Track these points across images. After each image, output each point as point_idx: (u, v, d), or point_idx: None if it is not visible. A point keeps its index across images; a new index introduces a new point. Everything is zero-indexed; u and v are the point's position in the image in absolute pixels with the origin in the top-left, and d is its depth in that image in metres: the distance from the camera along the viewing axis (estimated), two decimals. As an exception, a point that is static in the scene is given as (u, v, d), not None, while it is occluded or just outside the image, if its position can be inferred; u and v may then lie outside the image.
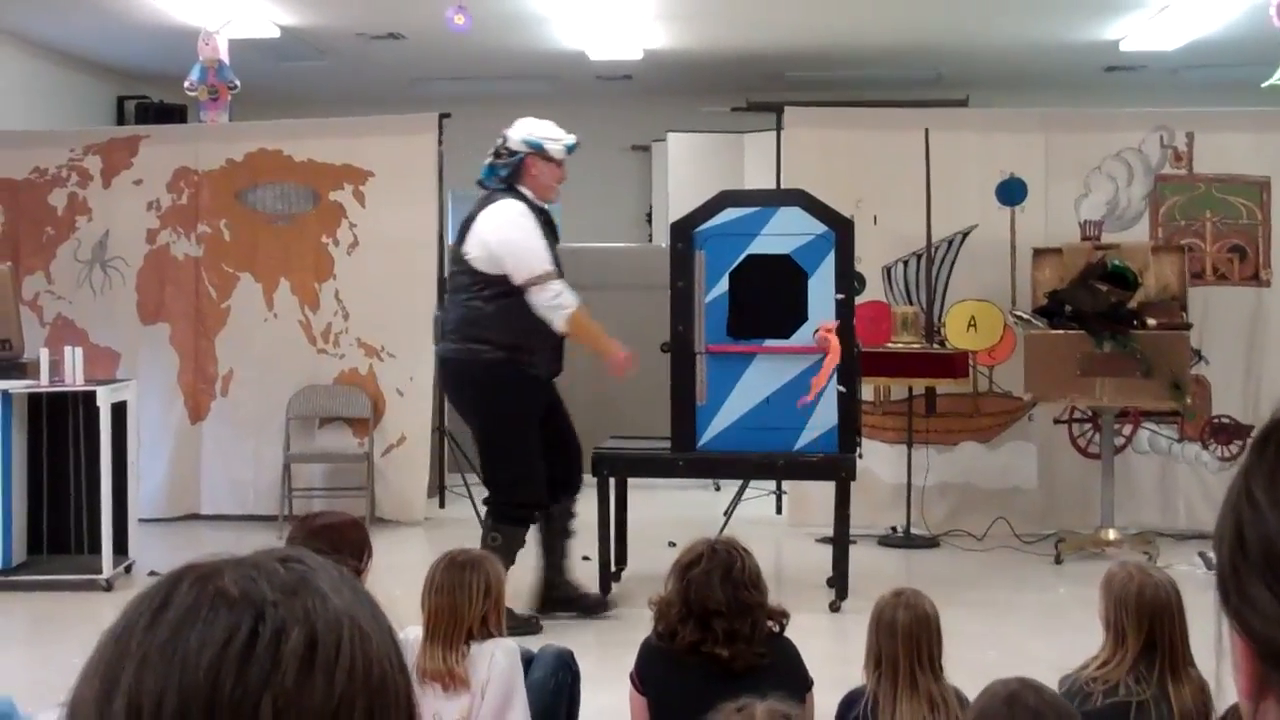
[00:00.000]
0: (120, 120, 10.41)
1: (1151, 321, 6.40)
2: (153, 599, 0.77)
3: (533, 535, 5.49)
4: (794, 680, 2.98)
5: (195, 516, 7.73)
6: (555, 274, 5.27)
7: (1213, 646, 0.81)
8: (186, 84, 8.24)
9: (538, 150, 5.33)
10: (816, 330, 5.56)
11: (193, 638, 0.74)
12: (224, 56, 8.24)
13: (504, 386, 5.25)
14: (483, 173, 5.41)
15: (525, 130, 5.38)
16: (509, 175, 5.33)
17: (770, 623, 3.01)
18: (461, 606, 2.99)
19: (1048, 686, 2.35)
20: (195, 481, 7.77)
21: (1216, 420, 7.21)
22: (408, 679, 0.80)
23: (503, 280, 5.25)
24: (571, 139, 5.42)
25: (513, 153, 5.34)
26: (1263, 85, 7.08)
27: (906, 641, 2.77)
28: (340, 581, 0.80)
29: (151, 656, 0.74)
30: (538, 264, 5.24)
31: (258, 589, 0.76)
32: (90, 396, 5.99)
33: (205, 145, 7.94)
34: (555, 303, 5.24)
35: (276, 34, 8.85)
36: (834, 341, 5.49)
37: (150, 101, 10.47)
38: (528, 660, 3.25)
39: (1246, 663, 0.77)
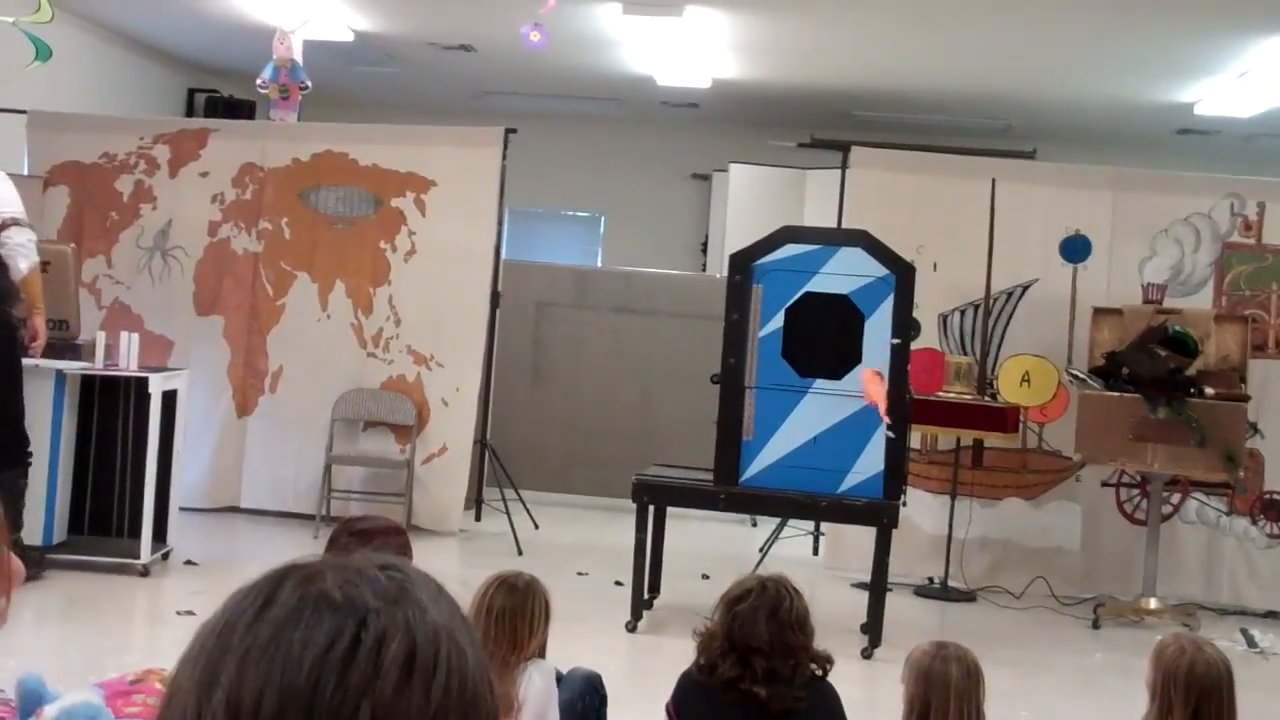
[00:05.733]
0: (189, 112, 10.54)
1: (1209, 390, 6.31)
2: (256, 596, 0.77)
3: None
4: (832, 727, 2.93)
5: (234, 509, 7.77)
6: None
7: None
8: (259, 81, 8.33)
9: None
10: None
11: (295, 639, 0.74)
12: (298, 56, 8.33)
13: None
14: None
15: None
16: None
17: (814, 666, 2.97)
18: (522, 634, 2.96)
19: None
20: (237, 475, 7.81)
21: (1268, 496, 7.09)
22: (495, 700, 0.80)
23: None
24: None
25: None
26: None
27: (959, 696, 2.73)
28: (438, 594, 0.80)
29: (254, 654, 0.74)
30: None
31: (360, 595, 0.76)
32: (143, 382, 6.04)
33: (273, 143, 8.01)
34: None
35: (350, 38, 8.94)
36: (877, 388, 5.42)
37: (220, 96, 10.60)
38: (556, 681, 3.22)
39: None
